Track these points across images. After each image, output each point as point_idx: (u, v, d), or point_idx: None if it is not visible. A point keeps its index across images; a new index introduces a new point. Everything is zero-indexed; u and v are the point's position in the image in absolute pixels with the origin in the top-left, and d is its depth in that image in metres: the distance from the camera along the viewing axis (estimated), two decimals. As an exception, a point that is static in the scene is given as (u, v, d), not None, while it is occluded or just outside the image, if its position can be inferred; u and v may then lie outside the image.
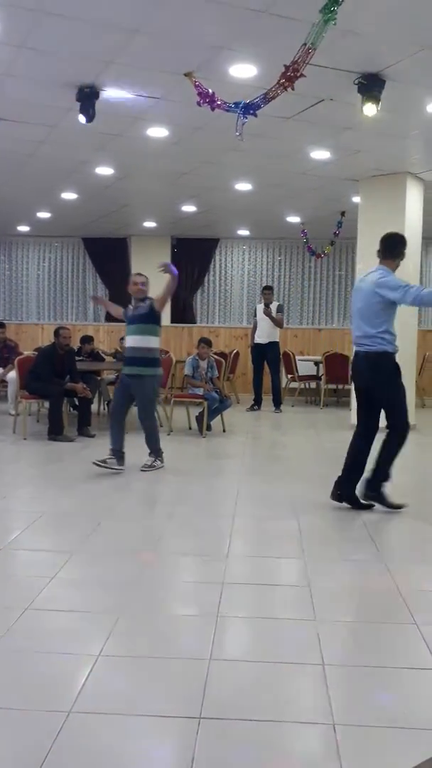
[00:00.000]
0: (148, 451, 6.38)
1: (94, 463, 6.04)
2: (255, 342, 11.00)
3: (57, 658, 2.76)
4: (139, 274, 6.61)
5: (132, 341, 6.34)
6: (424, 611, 3.26)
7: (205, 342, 8.84)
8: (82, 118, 5.91)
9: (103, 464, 6.05)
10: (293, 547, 4.23)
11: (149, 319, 6.31)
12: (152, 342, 6.32)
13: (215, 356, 9.29)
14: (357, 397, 5.35)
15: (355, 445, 5.16)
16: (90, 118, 5.88)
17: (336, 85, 5.63)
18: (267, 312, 10.71)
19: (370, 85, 5.47)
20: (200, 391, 8.45)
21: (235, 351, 12.07)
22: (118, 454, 6.21)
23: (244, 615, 3.30)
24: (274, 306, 10.82)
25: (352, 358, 5.36)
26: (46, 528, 4.61)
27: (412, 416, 9.31)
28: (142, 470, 6.23)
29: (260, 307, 10.96)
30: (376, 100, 5.49)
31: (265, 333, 10.87)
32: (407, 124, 6.77)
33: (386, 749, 2.18)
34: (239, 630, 3.16)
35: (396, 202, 8.84)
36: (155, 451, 6.39)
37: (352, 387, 5.59)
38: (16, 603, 3.25)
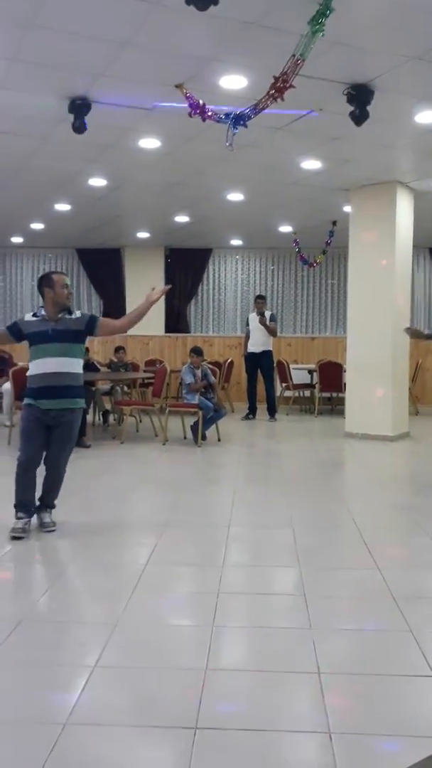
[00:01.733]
0: (51, 506, 4.83)
1: (14, 537, 4.51)
2: (249, 351, 11.02)
3: (53, 669, 2.74)
4: (63, 273, 4.90)
5: (55, 365, 4.58)
6: (418, 618, 3.25)
7: (195, 351, 8.80)
8: (75, 128, 5.90)
9: (20, 534, 4.52)
10: (288, 556, 4.22)
11: (81, 338, 4.78)
12: (80, 367, 4.80)
13: (210, 365, 9.28)
14: None
15: None
16: (80, 129, 5.90)
17: (325, 95, 5.67)
18: (262, 321, 10.73)
19: (359, 96, 5.52)
20: (195, 401, 8.44)
21: (229, 360, 12.08)
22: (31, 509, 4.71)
23: (239, 624, 3.28)
24: (267, 315, 10.85)
25: None
26: (42, 539, 4.59)
27: (406, 424, 9.37)
28: (47, 531, 4.67)
29: (253, 316, 10.97)
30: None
31: (258, 342, 10.88)
32: (396, 134, 6.81)
33: (382, 758, 2.17)
34: (235, 639, 3.14)
35: (386, 211, 8.89)
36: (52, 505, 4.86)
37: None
38: (12, 614, 3.23)
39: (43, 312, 4.70)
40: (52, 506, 4.82)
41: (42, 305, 4.78)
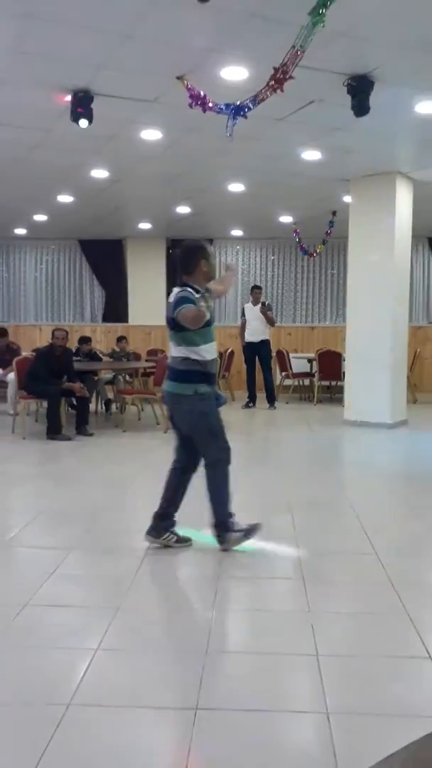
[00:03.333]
0: None
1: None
2: (247, 341, 11.01)
3: (56, 652, 2.77)
4: None
5: (215, 348, 4.19)
6: (415, 601, 3.27)
7: None
8: (83, 123, 5.86)
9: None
10: (287, 541, 4.24)
11: None
12: None
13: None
14: None
15: None
16: (83, 120, 5.86)
17: (326, 86, 5.63)
18: (263, 310, 10.73)
19: (360, 86, 5.49)
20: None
21: (230, 350, 12.07)
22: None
23: (239, 608, 3.31)
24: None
25: None
26: (45, 525, 4.61)
27: (404, 412, 9.38)
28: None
29: (249, 306, 10.96)
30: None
31: (257, 331, 10.88)
32: (396, 124, 6.78)
33: (379, 737, 2.19)
34: (235, 622, 3.16)
35: (386, 202, 8.86)
36: None
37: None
38: (16, 599, 3.25)
39: (198, 287, 3.92)
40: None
41: (186, 281, 3.96)
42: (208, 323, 3.91)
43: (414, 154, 7.98)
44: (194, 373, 3.92)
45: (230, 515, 4.05)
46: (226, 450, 4.04)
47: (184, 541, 4.12)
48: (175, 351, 4.03)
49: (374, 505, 5.13)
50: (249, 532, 4.04)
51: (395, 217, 8.84)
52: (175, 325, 3.92)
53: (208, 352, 3.97)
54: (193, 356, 3.92)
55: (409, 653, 2.76)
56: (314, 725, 2.26)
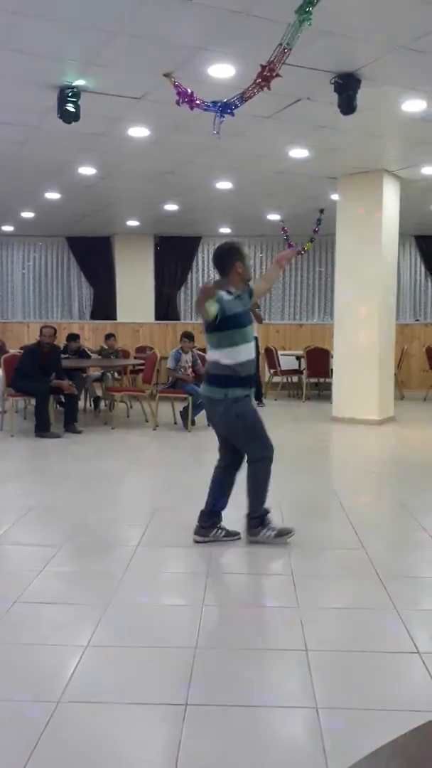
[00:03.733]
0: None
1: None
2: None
3: (46, 649, 2.76)
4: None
5: (253, 350, 4.24)
6: (403, 596, 3.29)
7: (188, 336, 8.85)
8: (66, 118, 5.83)
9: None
10: (277, 537, 4.25)
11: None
12: None
13: (200, 352, 9.28)
14: None
15: None
16: (69, 118, 5.83)
17: (313, 84, 5.64)
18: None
19: (347, 85, 5.49)
20: (188, 387, 8.46)
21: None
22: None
23: (228, 604, 3.31)
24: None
25: None
26: (34, 523, 4.59)
27: (392, 408, 9.42)
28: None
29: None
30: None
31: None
32: (383, 123, 6.79)
33: (368, 731, 2.20)
34: (224, 618, 3.17)
35: (373, 199, 8.88)
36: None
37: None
38: (5, 596, 3.24)
39: (232, 289, 3.99)
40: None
41: (218, 280, 4.03)
42: (243, 324, 3.97)
43: (401, 152, 8.00)
44: (224, 378, 3.95)
45: (266, 511, 4.16)
46: (268, 448, 4.11)
47: (233, 535, 4.19)
48: (208, 355, 4.12)
49: (362, 500, 5.15)
50: (281, 533, 4.13)
51: (382, 215, 8.87)
52: (207, 326, 3.96)
53: (240, 353, 3.96)
54: (224, 360, 3.94)
55: (398, 648, 2.77)
56: (303, 720, 2.27)
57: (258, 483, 4.12)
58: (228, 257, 4.01)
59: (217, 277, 4.13)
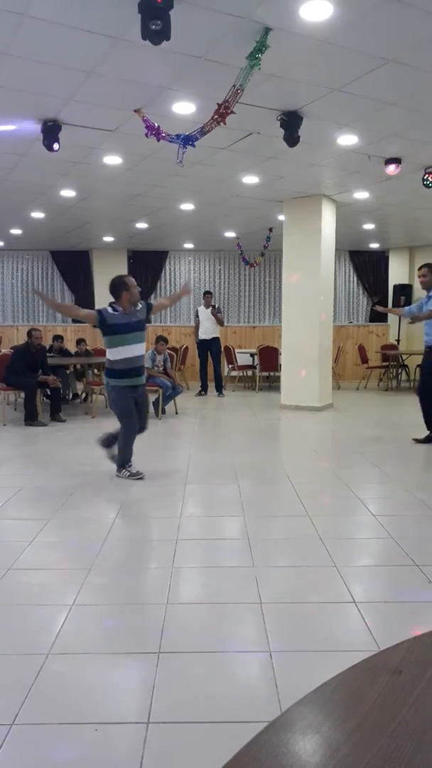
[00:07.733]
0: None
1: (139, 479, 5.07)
2: (200, 338, 11.00)
3: (37, 609, 2.72)
4: (130, 276, 4.97)
5: (138, 349, 4.89)
6: (341, 555, 3.33)
7: (162, 339, 8.87)
8: (56, 146, 5.71)
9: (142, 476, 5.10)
10: (235, 507, 4.26)
11: (144, 326, 4.95)
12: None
13: (169, 350, 9.27)
14: None
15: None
16: (51, 147, 5.72)
17: (262, 120, 5.64)
18: (214, 312, 10.74)
19: (290, 121, 5.51)
20: (158, 380, 8.43)
21: (184, 346, 12.03)
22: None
23: (194, 565, 3.30)
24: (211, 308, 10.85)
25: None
26: (25, 500, 4.52)
27: (330, 397, 9.52)
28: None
29: (202, 309, 10.96)
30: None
31: (209, 330, 10.88)
32: (322, 154, 6.84)
33: (314, 669, 2.22)
34: (191, 578, 3.16)
35: (314, 220, 8.95)
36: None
37: None
38: (0, 564, 3.19)
39: (119, 308, 4.79)
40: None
41: (114, 303, 4.82)
42: (119, 331, 4.77)
43: (336, 179, 8.07)
44: (108, 370, 4.91)
45: (127, 460, 5.11)
46: (128, 424, 5.04)
47: (136, 475, 5.06)
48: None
49: (307, 475, 5.20)
50: (133, 475, 5.04)
51: (321, 233, 8.94)
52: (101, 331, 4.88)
53: (118, 353, 4.82)
54: (108, 357, 4.88)
55: (337, 598, 2.81)
56: (259, 662, 2.28)
57: (120, 440, 5.08)
58: (117, 288, 4.80)
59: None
